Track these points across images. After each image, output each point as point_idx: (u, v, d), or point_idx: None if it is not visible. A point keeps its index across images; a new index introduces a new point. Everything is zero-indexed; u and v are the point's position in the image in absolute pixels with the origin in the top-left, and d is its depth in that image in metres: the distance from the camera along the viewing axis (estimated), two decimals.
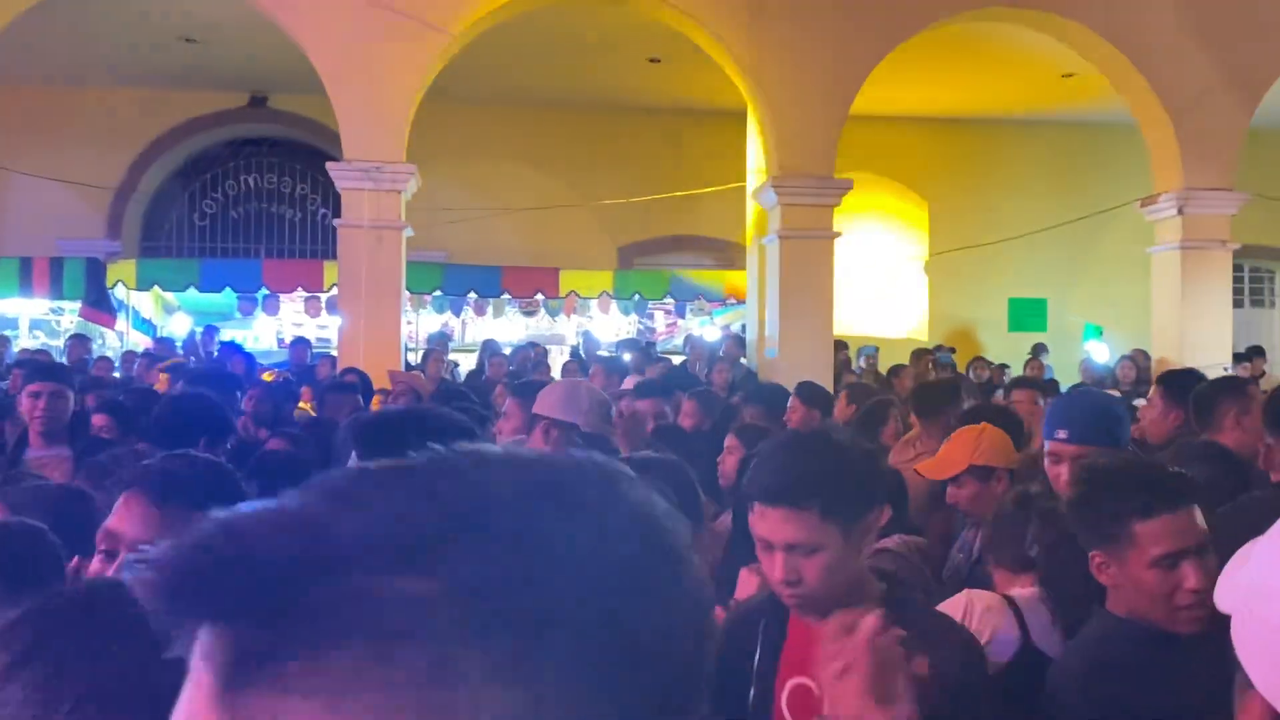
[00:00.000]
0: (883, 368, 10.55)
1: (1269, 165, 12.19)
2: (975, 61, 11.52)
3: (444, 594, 0.43)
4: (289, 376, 8.84)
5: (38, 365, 5.55)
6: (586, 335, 12.15)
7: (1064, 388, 7.40)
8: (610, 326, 13.09)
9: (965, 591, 2.51)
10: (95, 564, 1.83)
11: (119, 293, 11.52)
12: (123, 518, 1.81)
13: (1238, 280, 13.57)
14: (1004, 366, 11.48)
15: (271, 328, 13.08)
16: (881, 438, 4.83)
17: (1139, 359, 10.28)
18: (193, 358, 10.16)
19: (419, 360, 10.53)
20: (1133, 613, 1.98)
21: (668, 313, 13.55)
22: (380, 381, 7.19)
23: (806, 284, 9.38)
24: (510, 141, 13.49)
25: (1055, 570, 2.36)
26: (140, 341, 11.78)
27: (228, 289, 11.70)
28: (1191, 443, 3.39)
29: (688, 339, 12.05)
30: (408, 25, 8.79)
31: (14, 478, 3.31)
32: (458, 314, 12.88)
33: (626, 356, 9.64)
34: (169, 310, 12.77)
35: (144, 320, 12.36)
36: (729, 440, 4.23)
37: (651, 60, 11.66)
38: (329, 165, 9.23)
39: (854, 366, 11.03)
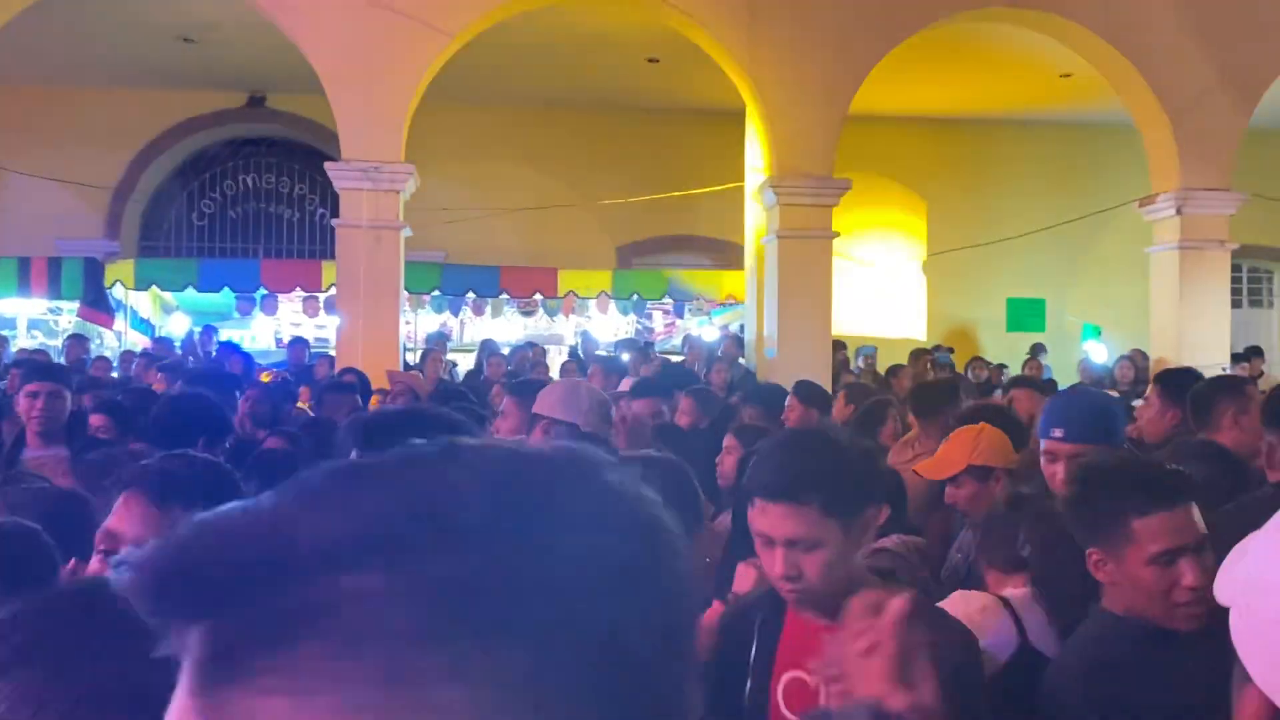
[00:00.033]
0: (881, 368, 10.56)
1: (1267, 165, 12.20)
2: (974, 61, 11.52)
3: (403, 593, 0.43)
4: (287, 377, 8.83)
5: (35, 365, 5.54)
6: (585, 335, 12.16)
7: (1062, 388, 7.40)
8: (609, 326, 13.09)
9: (958, 592, 2.51)
10: (94, 564, 1.83)
11: (117, 292, 11.52)
12: (122, 518, 1.81)
13: (1236, 280, 13.57)
14: (1002, 366, 11.49)
15: (270, 328, 13.08)
16: (880, 438, 4.83)
17: (1137, 359, 10.28)
18: (191, 357, 10.15)
19: (417, 360, 10.53)
20: (1130, 610, 1.98)
21: (666, 313, 13.55)
22: (379, 381, 7.19)
23: (805, 284, 9.39)
24: (509, 141, 13.49)
25: (1048, 570, 2.36)
26: (138, 341, 11.77)
27: (226, 289, 11.69)
28: (1188, 441, 3.39)
29: (686, 339, 12.06)
30: (406, 25, 8.79)
31: (12, 478, 3.31)
32: (456, 314, 12.87)
33: (625, 356, 9.64)
34: (167, 310, 12.76)
35: (142, 320, 12.35)
36: (728, 441, 4.23)
37: (650, 60, 11.66)
38: (327, 165, 9.23)
39: (852, 366, 11.03)
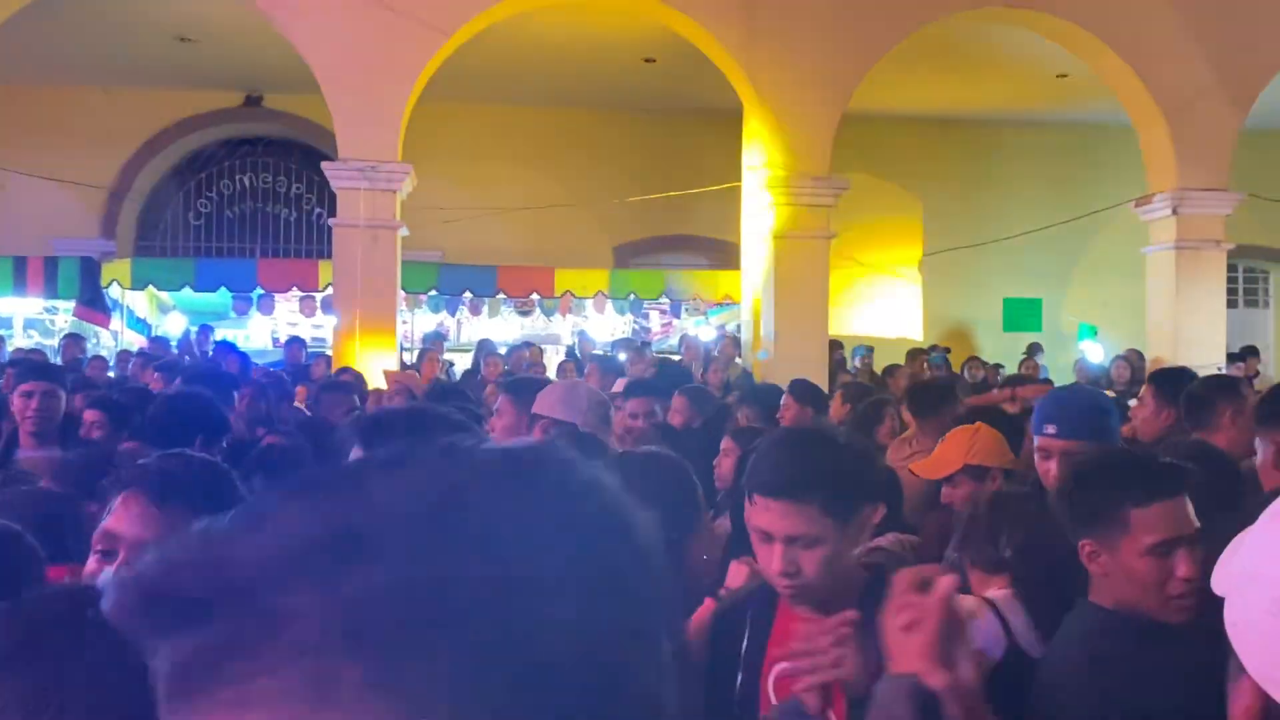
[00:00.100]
0: (877, 368, 10.56)
1: (1263, 165, 12.21)
2: (970, 61, 11.54)
3: (326, 608, 0.44)
4: (284, 376, 8.82)
5: (30, 364, 5.53)
6: (582, 335, 12.16)
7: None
8: (606, 326, 13.09)
9: None
10: (91, 564, 1.82)
11: (114, 292, 11.50)
12: (121, 518, 1.80)
13: (1232, 280, 13.55)
14: (999, 366, 11.50)
15: (266, 327, 13.05)
16: (877, 437, 4.84)
17: (1133, 359, 10.29)
18: (187, 357, 10.13)
19: (414, 360, 10.52)
20: (1120, 604, 1.97)
21: (663, 312, 13.54)
22: (375, 381, 7.19)
23: (802, 284, 9.39)
24: (506, 141, 13.49)
25: (1028, 570, 2.36)
26: (135, 341, 11.75)
27: (223, 288, 11.68)
28: (1182, 441, 3.40)
29: (683, 339, 12.06)
30: (403, 25, 8.79)
31: (6, 479, 3.30)
32: (453, 313, 12.86)
33: (622, 356, 9.64)
34: (164, 310, 12.74)
35: (139, 320, 12.34)
36: (725, 443, 4.21)
37: (647, 60, 11.66)
38: (324, 165, 9.23)
39: (849, 366, 11.04)
